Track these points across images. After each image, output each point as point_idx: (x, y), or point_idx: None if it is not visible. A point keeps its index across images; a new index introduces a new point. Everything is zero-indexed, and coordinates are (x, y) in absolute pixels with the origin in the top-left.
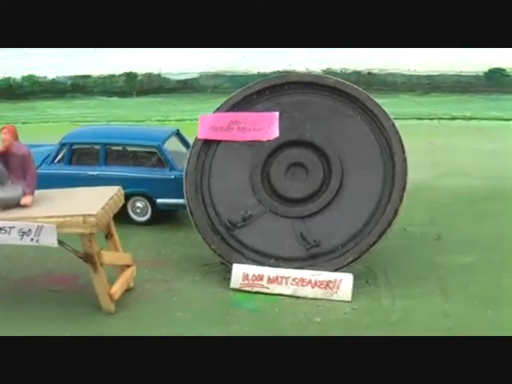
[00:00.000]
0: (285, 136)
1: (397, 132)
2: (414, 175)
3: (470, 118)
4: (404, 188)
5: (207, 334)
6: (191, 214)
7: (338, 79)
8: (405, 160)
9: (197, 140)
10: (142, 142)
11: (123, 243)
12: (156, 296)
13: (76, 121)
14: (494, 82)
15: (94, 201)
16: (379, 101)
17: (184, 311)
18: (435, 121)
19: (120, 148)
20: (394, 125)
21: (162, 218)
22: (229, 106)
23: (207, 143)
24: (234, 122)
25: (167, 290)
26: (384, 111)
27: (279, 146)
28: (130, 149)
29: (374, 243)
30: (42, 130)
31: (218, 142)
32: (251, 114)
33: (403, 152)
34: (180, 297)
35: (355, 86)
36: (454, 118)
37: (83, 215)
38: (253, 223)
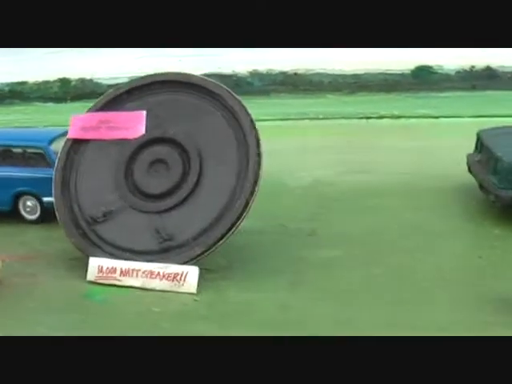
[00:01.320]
0: (149, 134)
1: (254, 128)
2: (314, 172)
3: (399, 117)
4: (256, 182)
5: (47, 323)
6: (57, 209)
7: (203, 77)
8: (259, 155)
9: (67, 139)
10: (29, 143)
11: (9, 241)
12: (19, 288)
13: (15, 127)
14: (421, 79)
15: None
16: (306, 101)
17: (36, 302)
18: (363, 120)
19: (10, 149)
20: (251, 121)
21: (54, 216)
22: (99, 106)
23: (77, 142)
24: (102, 121)
25: (31, 284)
26: (244, 108)
27: (143, 144)
28: (19, 150)
29: (223, 236)
30: None
31: (88, 141)
32: (119, 114)
33: (257, 147)
34: (40, 289)
35: (218, 83)
36: (382, 117)
37: None
38: (113, 218)
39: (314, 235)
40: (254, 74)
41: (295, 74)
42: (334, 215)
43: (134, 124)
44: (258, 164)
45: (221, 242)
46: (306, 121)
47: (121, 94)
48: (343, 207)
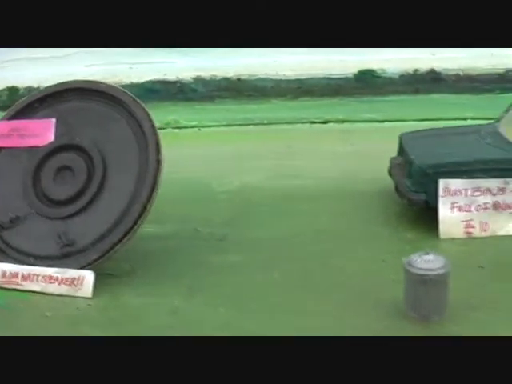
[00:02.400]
0: (57, 141)
1: (155, 134)
2: (244, 177)
3: (343, 121)
4: (154, 187)
5: None
6: None
7: (111, 84)
8: (158, 161)
9: None
10: None
11: None
12: None
13: None
14: (365, 83)
15: None
16: (250, 107)
17: None
18: (307, 124)
19: None
20: (153, 127)
21: None
22: (12, 114)
23: None
24: (14, 129)
25: None
26: (147, 114)
27: (51, 151)
28: None
29: (120, 241)
30: None
31: (0, 149)
32: (30, 121)
33: (157, 153)
34: None
35: (124, 90)
36: (326, 122)
37: None
38: (20, 225)
39: (224, 240)
40: (198, 80)
41: (238, 79)
42: (251, 220)
43: (43, 131)
44: (157, 169)
45: (117, 247)
46: (251, 126)
47: (33, 102)
48: (263, 212)
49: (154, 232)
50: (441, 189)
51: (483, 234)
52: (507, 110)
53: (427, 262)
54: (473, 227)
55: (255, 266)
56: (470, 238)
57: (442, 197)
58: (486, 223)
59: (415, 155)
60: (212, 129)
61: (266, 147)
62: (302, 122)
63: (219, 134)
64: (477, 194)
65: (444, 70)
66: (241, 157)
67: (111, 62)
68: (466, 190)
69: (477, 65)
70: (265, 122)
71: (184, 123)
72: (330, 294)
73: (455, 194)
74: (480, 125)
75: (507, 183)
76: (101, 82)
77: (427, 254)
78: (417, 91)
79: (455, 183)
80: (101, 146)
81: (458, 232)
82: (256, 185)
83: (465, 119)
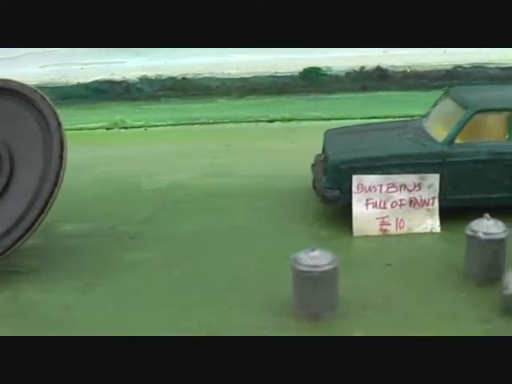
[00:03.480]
0: None
1: (60, 131)
2: (173, 176)
3: (290, 120)
4: (56, 184)
5: None
6: None
7: (21, 83)
8: (61, 157)
9: None
10: None
11: None
12: None
13: None
14: (311, 81)
15: None
16: (196, 106)
17: None
18: (253, 123)
19: None
20: (59, 124)
21: None
22: None
23: None
24: None
25: None
26: (54, 112)
27: None
28: None
29: (20, 238)
30: None
31: None
32: None
33: (61, 150)
34: None
35: (34, 89)
36: (272, 120)
37: None
38: None
39: (136, 237)
40: (144, 80)
41: (184, 78)
42: (169, 217)
43: None
44: (60, 166)
45: (19, 243)
46: (197, 126)
47: None
48: (183, 209)
49: (71, 230)
50: (354, 185)
51: (399, 231)
52: (434, 106)
53: (313, 258)
54: (388, 224)
55: (160, 263)
56: (385, 236)
57: (356, 193)
58: (402, 220)
59: (331, 151)
60: (158, 128)
61: (207, 146)
62: (248, 121)
63: (165, 133)
64: (392, 190)
65: (391, 67)
66: (179, 155)
67: (63, 63)
68: (380, 186)
69: (424, 61)
70: (210, 121)
71: (130, 123)
72: (225, 291)
73: (370, 190)
74: (408, 120)
75: (424, 179)
76: (12, 81)
77: (313, 250)
78: (364, 89)
79: (369, 179)
80: (9, 143)
81: (373, 229)
82: (184, 183)
83: (412, 116)
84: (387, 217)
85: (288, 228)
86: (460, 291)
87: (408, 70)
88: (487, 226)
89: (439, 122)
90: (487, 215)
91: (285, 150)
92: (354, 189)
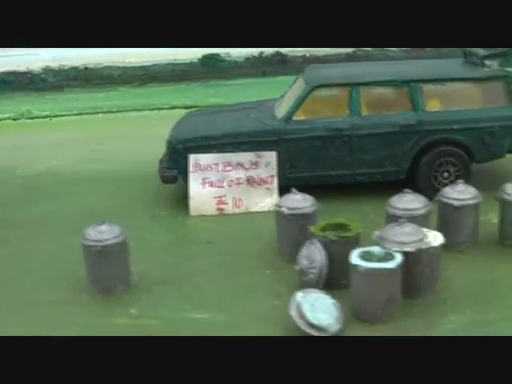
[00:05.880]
0: None
1: None
2: (50, 163)
3: (191, 107)
4: None
5: None
6: None
7: None
8: None
9: None
10: None
11: None
12: None
13: None
14: (210, 68)
15: None
16: (99, 95)
17: None
18: (155, 111)
19: None
20: None
21: None
22: None
23: None
24: None
25: None
26: None
27: None
28: None
29: None
30: None
31: None
32: None
33: None
34: None
35: None
36: (173, 108)
37: None
38: None
39: None
40: (48, 71)
41: (86, 68)
42: (22, 202)
43: None
44: None
45: None
46: (100, 114)
47: None
48: (39, 195)
49: None
50: (191, 164)
51: (236, 211)
52: (291, 85)
53: (99, 233)
54: (225, 203)
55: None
56: (221, 215)
57: (193, 172)
58: (240, 199)
59: (173, 132)
60: (63, 118)
61: (101, 133)
62: (150, 109)
63: (69, 122)
64: (228, 168)
65: (290, 51)
66: (68, 143)
67: None
68: (216, 164)
69: None
70: (113, 109)
71: (36, 113)
72: (36, 269)
73: (206, 169)
74: (267, 100)
75: (260, 157)
76: None
77: (101, 224)
78: (263, 74)
79: (205, 158)
80: None
81: (210, 209)
82: (57, 170)
83: None
84: (224, 196)
85: (131, 210)
86: (268, 268)
87: (307, 55)
88: (293, 201)
89: (287, 100)
90: (295, 190)
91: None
92: (191, 168)
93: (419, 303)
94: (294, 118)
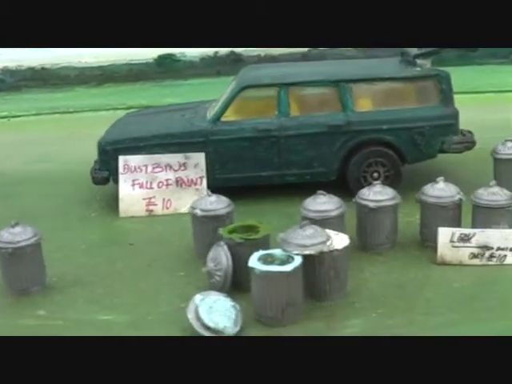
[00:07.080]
0: None
1: None
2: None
3: (147, 106)
4: None
5: None
6: None
7: None
8: None
9: None
10: None
11: None
12: None
13: None
14: (165, 68)
15: None
16: (56, 95)
17: None
18: (111, 111)
19: None
20: None
21: None
22: None
23: None
24: None
25: None
26: None
27: None
28: None
29: None
30: None
31: None
32: None
33: None
34: None
35: None
36: (129, 107)
37: None
38: None
39: None
40: (5, 71)
41: (42, 68)
42: None
43: None
44: None
45: None
46: (57, 115)
47: None
48: None
49: None
50: (121, 165)
51: (166, 212)
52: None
53: (13, 235)
54: (155, 205)
55: None
56: (150, 216)
57: (123, 174)
58: (169, 200)
59: (105, 133)
60: (21, 118)
61: (47, 135)
62: (106, 109)
63: (27, 123)
64: (158, 170)
65: (245, 51)
66: (22, 144)
67: None
68: (146, 166)
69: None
70: (70, 110)
71: None
72: None
73: (135, 170)
74: (207, 101)
75: (188, 158)
76: None
77: (13, 226)
78: (218, 73)
79: (134, 160)
80: None
81: (139, 210)
82: (1, 171)
83: None
84: (154, 197)
85: (65, 211)
86: (182, 270)
87: (262, 54)
88: (207, 203)
89: (220, 101)
90: (208, 191)
91: None
92: (121, 169)
93: (325, 306)
94: (223, 118)
